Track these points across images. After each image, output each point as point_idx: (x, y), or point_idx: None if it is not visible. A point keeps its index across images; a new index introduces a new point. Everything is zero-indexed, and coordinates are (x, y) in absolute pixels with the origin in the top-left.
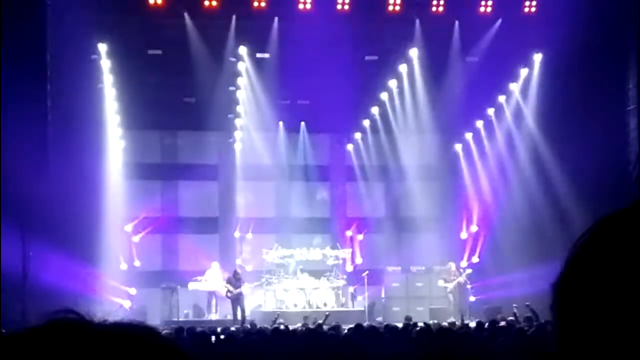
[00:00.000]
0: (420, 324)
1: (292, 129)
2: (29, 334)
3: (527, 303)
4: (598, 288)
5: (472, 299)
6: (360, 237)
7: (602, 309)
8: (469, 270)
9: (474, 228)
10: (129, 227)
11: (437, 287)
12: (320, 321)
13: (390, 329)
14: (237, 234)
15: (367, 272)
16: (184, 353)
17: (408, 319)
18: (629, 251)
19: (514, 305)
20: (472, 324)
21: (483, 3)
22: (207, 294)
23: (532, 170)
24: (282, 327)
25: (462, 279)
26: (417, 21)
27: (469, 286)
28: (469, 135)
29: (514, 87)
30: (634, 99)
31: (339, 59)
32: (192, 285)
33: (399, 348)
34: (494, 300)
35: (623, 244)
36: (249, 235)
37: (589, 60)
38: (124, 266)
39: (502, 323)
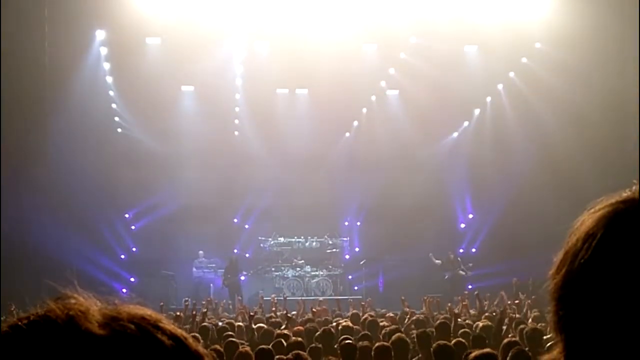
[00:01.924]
0: (418, 314)
1: (291, 117)
2: (30, 325)
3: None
4: (622, 284)
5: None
6: (358, 225)
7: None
8: (470, 265)
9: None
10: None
11: (435, 276)
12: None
13: (388, 318)
14: (235, 222)
15: (364, 261)
16: (188, 341)
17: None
18: None
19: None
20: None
21: None
22: (204, 281)
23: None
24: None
25: (461, 270)
26: None
27: (466, 273)
28: (467, 122)
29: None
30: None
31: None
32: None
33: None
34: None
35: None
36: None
37: None
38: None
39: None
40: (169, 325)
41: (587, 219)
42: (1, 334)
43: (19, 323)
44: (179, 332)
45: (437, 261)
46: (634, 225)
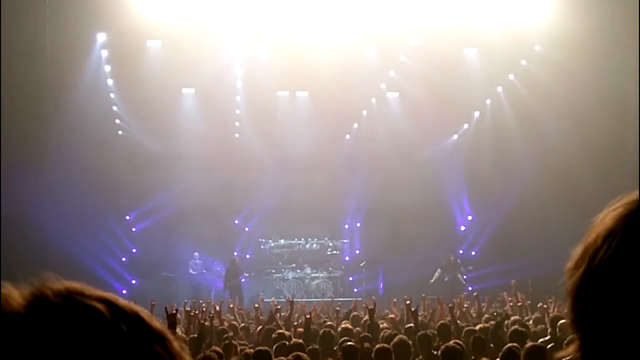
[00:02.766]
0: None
1: (291, 120)
2: None
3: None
4: None
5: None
6: (358, 227)
7: None
8: (470, 268)
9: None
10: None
11: (435, 278)
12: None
13: (388, 320)
14: (236, 224)
15: (364, 263)
16: (119, 301)
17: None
18: None
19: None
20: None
21: None
22: (202, 283)
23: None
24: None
25: (460, 274)
26: None
27: (464, 277)
28: (466, 125)
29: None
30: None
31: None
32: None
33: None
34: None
35: None
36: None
37: None
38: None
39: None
40: (95, 291)
41: (607, 216)
42: None
43: None
44: (108, 294)
45: (436, 274)
46: None
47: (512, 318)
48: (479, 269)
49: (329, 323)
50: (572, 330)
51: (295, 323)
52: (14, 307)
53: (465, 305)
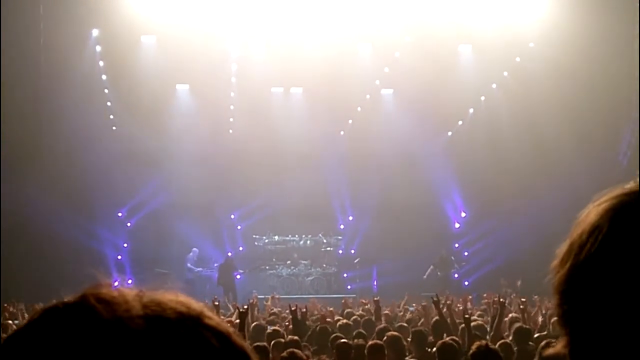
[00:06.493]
0: (410, 313)
1: (285, 116)
2: (67, 310)
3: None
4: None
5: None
6: (352, 224)
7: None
8: (464, 264)
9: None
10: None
11: (427, 274)
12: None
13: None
14: (230, 220)
15: (358, 259)
16: (233, 337)
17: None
18: None
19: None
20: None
21: None
22: (198, 279)
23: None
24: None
25: (451, 268)
26: None
27: (455, 275)
28: (461, 121)
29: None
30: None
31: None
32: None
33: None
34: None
35: None
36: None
37: None
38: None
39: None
40: (212, 319)
41: (592, 211)
42: (35, 318)
43: (58, 306)
44: (224, 327)
45: (429, 270)
46: (639, 218)
47: (510, 315)
48: (472, 262)
49: (327, 319)
50: (559, 327)
51: (287, 322)
52: (130, 318)
53: (459, 306)
